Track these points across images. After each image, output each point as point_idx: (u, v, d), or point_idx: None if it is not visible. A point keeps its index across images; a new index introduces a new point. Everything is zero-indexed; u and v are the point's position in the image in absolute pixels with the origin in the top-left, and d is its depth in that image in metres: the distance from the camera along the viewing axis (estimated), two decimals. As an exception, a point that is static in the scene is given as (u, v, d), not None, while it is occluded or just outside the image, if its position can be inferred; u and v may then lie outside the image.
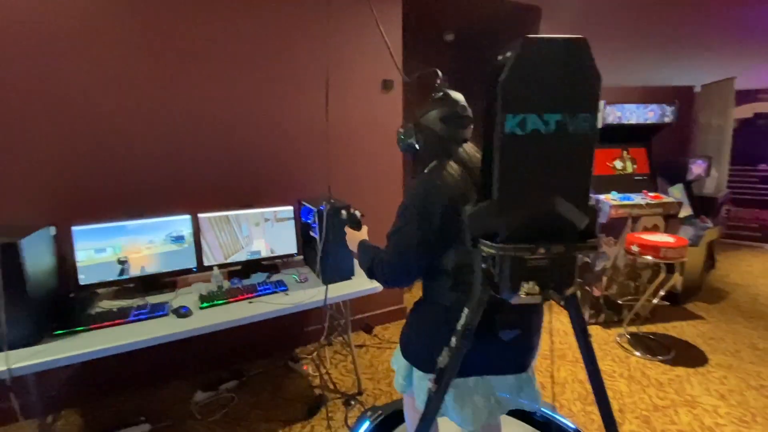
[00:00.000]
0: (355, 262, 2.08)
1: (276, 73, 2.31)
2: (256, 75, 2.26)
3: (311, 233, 2.10)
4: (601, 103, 2.62)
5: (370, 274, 1.14)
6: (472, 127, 1.15)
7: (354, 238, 1.32)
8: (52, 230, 1.74)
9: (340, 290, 1.93)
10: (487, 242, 0.86)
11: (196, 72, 2.12)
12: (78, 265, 1.80)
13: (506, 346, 1.05)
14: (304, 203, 2.20)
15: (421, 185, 1.07)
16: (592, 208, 0.91)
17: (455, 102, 1.11)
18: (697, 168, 3.25)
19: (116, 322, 1.61)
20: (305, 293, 1.89)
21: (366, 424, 1.59)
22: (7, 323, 1.36)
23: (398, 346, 1.25)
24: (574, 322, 1.00)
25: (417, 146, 1.14)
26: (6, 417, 1.89)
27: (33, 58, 1.80)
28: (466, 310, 0.92)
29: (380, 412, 1.66)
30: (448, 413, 1.13)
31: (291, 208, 2.22)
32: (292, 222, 2.22)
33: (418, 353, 1.16)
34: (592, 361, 1.00)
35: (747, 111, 4.65)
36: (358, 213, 1.35)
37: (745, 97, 4.48)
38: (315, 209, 1.99)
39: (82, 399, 2.09)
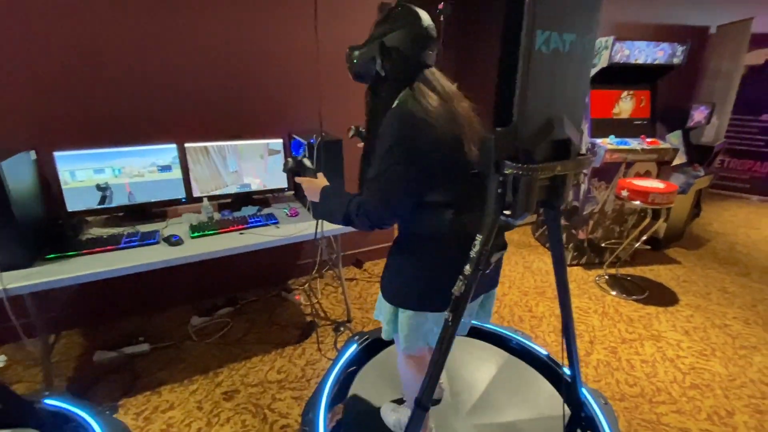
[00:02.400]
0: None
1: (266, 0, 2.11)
2: (245, 2, 2.07)
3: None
4: (610, 39, 2.47)
5: (347, 222, 1.05)
6: (437, 51, 1.05)
7: (313, 186, 1.18)
8: (32, 155, 1.69)
9: (329, 225, 1.94)
10: (515, 164, 0.86)
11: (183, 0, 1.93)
12: (64, 190, 1.77)
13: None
14: (295, 136, 2.14)
15: (402, 120, 0.97)
16: (581, 129, 0.93)
17: (423, 20, 1.00)
18: (698, 114, 3.17)
19: (108, 248, 1.63)
20: (295, 227, 1.91)
21: (353, 347, 1.70)
22: (-3, 245, 1.36)
23: (379, 296, 1.21)
24: (554, 235, 1.09)
25: (382, 71, 1.01)
26: (6, 336, 1.99)
27: (-12, -41, 1.61)
28: (479, 237, 0.92)
29: (367, 336, 1.76)
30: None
31: (281, 140, 2.16)
32: (282, 155, 2.18)
33: (410, 293, 1.11)
34: (561, 269, 1.14)
35: (759, 57, 4.45)
36: (307, 161, 1.22)
37: (760, 41, 4.25)
38: (306, 142, 1.94)
39: (82, 321, 2.18)
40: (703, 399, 1.79)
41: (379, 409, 1.48)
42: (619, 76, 2.75)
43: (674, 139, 3.18)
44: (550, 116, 0.92)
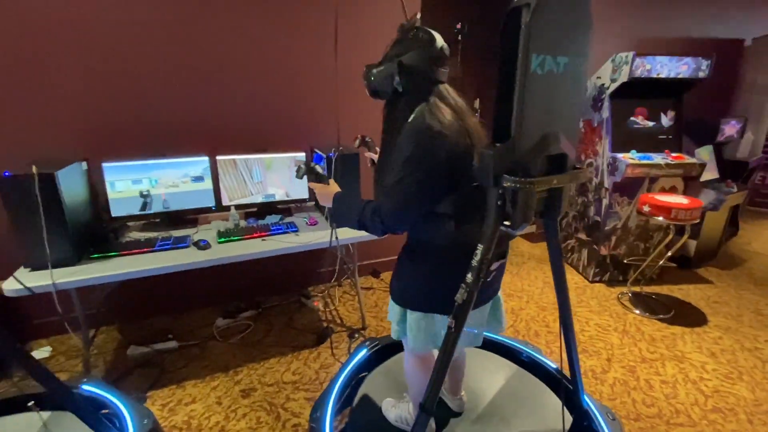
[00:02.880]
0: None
1: (291, 22, 2.28)
2: (272, 25, 2.24)
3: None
4: (630, 54, 2.47)
5: (360, 225, 1.10)
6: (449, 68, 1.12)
7: (325, 191, 1.24)
8: (84, 165, 1.89)
9: (346, 234, 2.04)
10: (513, 178, 0.92)
11: (217, 24, 2.13)
12: (109, 197, 1.96)
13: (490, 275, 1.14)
14: (316, 150, 2.27)
15: (420, 132, 1.02)
16: (575, 144, 0.99)
17: (438, 41, 1.07)
18: (729, 129, 3.06)
19: (144, 249, 1.79)
20: (314, 235, 2.01)
21: (363, 351, 1.76)
22: (49, 244, 1.54)
23: (391, 302, 1.27)
24: (553, 244, 1.15)
25: (399, 88, 1.07)
26: (52, 330, 2.20)
27: (69, 9, 1.86)
28: (480, 247, 0.97)
29: (377, 342, 1.82)
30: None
31: (303, 154, 2.29)
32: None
33: (417, 295, 1.18)
34: (561, 279, 1.19)
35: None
36: (319, 168, 1.27)
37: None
38: (325, 156, 2.06)
39: (119, 318, 2.37)
40: (725, 423, 1.71)
41: (382, 415, 1.53)
42: (643, 90, 2.73)
43: (704, 153, 3.08)
44: (545, 133, 0.97)
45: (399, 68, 1.06)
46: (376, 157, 1.50)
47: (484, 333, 1.36)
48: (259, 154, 2.21)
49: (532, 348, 1.84)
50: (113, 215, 2.00)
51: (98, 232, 1.90)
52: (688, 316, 2.54)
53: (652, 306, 2.63)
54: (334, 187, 1.25)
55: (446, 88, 1.11)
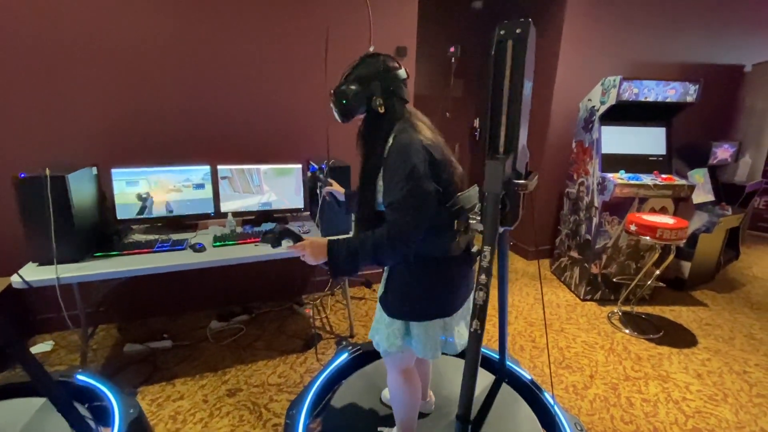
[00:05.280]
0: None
1: (288, 43, 2.45)
2: (269, 44, 2.41)
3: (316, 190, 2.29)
4: (617, 78, 2.56)
5: (377, 257, 1.05)
6: None
7: (313, 246, 1.08)
8: (94, 170, 2.04)
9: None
10: (516, 182, 1.08)
11: (219, 43, 2.30)
12: (116, 201, 2.10)
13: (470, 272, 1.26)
14: (312, 162, 2.39)
15: (412, 147, 1.04)
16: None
17: (400, 64, 1.16)
18: (722, 152, 3.09)
19: (143, 250, 1.90)
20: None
21: (344, 355, 1.82)
22: (56, 241, 1.67)
23: (381, 315, 1.25)
24: (504, 245, 1.31)
25: (382, 109, 1.11)
26: (55, 326, 2.32)
27: (79, 21, 2.05)
28: (486, 248, 1.04)
29: (359, 348, 1.88)
30: (414, 346, 1.25)
31: (299, 165, 2.41)
32: (301, 178, 2.43)
33: (422, 306, 1.18)
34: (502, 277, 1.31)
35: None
36: (294, 228, 1.14)
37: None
38: (317, 167, 2.17)
39: (118, 317, 2.48)
40: (702, 442, 1.71)
41: (357, 415, 1.58)
42: (633, 113, 2.80)
43: (699, 176, 3.11)
44: (523, 144, 1.12)
45: (383, 90, 1.10)
46: (335, 189, 1.59)
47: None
48: (258, 164, 2.34)
49: (509, 359, 1.87)
50: (118, 218, 2.13)
51: (104, 232, 2.03)
52: (678, 337, 2.54)
53: (641, 326, 2.63)
54: (317, 240, 1.11)
55: (413, 108, 1.20)
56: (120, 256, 1.85)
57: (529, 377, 1.76)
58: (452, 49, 2.47)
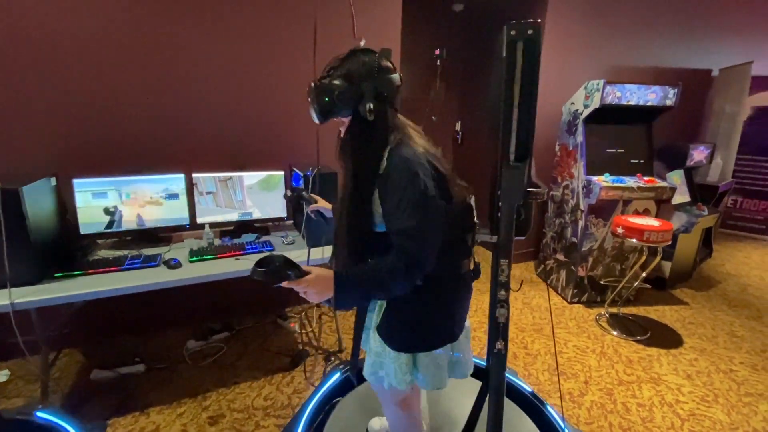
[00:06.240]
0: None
1: (270, 39, 2.32)
2: (250, 43, 2.28)
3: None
4: (601, 82, 2.57)
5: (389, 293, 0.95)
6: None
7: (319, 279, 0.92)
8: (53, 181, 1.85)
9: (325, 253, 2.02)
10: (535, 189, 1.00)
11: (193, 39, 2.15)
12: (79, 215, 1.91)
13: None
14: (295, 169, 2.27)
15: (414, 162, 0.93)
16: None
17: (395, 68, 1.01)
18: (698, 154, 3.18)
19: (111, 268, 1.73)
20: (290, 254, 1.97)
21: (336, 375, 1.72)
22: (9, 263, 1.48)
23: (384, 349, 1.11)
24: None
25: (371, 115, 0.94)
26: (12, 352, 2.09)
27: (41, 24, 1.86)
28: (503, 262, 0.98)
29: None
30: (419, 379, 1.13)
31: (282, 172, 2.29)
32: (283, 186, 2.30)
33: (434, 333, 1.09)
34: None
35: (766, 99, 4.47)
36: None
37: (760, 83, 4.29)
38: (302, 174, 2.05)
39: (82, 340, 2.27)
40: (700, 447, 1.71)
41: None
42: (615, 116, 2.83)
43: (676, 178, 3.18)
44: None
45: (375, 93, 0.94)
46: (321, 206, 1.48)
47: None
48: (237, 171, 2.20)
49: (508, 371, 1.81)
50: (82, 233, 1.94)
51: (65, 250, 1.84)
52: (664, 338, 2.56)
53: (629, 327, 2.64)
54: (322, 273, 0.93)
55: (404, 118, 1.07)
56: (84, 276, 1.68)
57: (530, 389, 1.71)
58: (438, 52, 2.42)
